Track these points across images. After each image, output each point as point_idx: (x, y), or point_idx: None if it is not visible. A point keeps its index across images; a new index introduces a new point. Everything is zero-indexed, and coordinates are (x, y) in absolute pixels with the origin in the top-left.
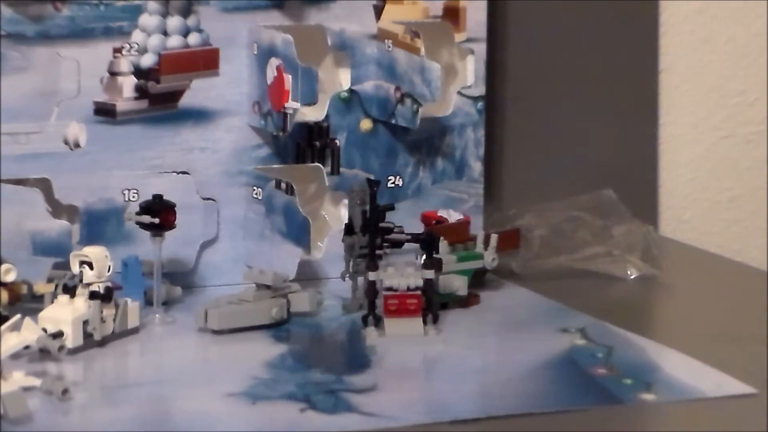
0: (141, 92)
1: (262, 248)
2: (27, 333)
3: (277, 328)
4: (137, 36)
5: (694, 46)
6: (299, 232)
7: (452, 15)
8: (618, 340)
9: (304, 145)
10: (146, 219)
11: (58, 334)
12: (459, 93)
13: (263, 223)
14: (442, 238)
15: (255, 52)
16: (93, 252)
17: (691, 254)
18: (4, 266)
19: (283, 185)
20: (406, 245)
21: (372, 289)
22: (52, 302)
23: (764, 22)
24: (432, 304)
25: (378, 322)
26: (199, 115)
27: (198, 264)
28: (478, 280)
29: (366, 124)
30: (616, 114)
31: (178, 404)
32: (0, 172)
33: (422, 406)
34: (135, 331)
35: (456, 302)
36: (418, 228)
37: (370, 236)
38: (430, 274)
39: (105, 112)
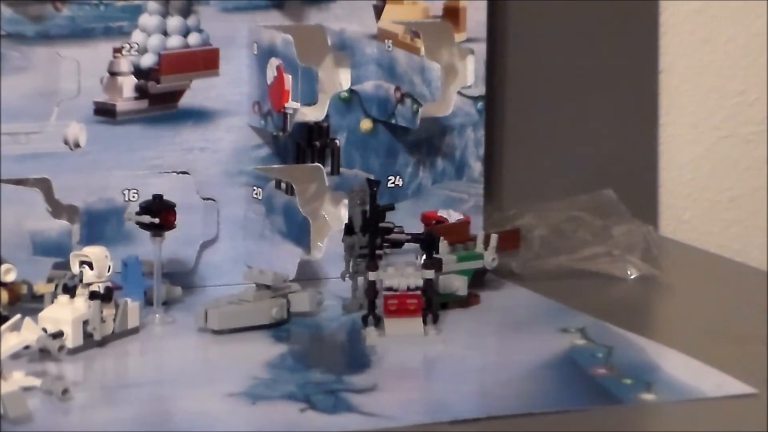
0: (141, 92)
1: (262, 248)
2: (27, 333)
3: (277, 328)
4: (137, 36)
5: (694, 46)
6: (299, 232)
7: (452, 15)
8: (618, 340)
9: (304, 145)
10: (146, 219)
11: (58, 334)
12: (459, 93)
13: (263, 223)
14: (442, 238)
15: (255, 52)
16: (93, 252)
17: (691, 254)
18: (4, 266)
19: (283, 185)
20: (406, 245)
21: (372, 289)
22: (52, 302)
23: (764, 22)
24: (432, 304)
25: (378, 322)
26: (199, 115)
27: (198, 264)
28: (478, 280)
29: (366, 124)
30: (616, 114)
31: (178, 404)
32: (0, 172)
33: (422, 406)
34: (135, 331)
35: (456, 302)
36: (418, 228)
37: (370, 236)
38: (430, 274)
39: (105, 112)
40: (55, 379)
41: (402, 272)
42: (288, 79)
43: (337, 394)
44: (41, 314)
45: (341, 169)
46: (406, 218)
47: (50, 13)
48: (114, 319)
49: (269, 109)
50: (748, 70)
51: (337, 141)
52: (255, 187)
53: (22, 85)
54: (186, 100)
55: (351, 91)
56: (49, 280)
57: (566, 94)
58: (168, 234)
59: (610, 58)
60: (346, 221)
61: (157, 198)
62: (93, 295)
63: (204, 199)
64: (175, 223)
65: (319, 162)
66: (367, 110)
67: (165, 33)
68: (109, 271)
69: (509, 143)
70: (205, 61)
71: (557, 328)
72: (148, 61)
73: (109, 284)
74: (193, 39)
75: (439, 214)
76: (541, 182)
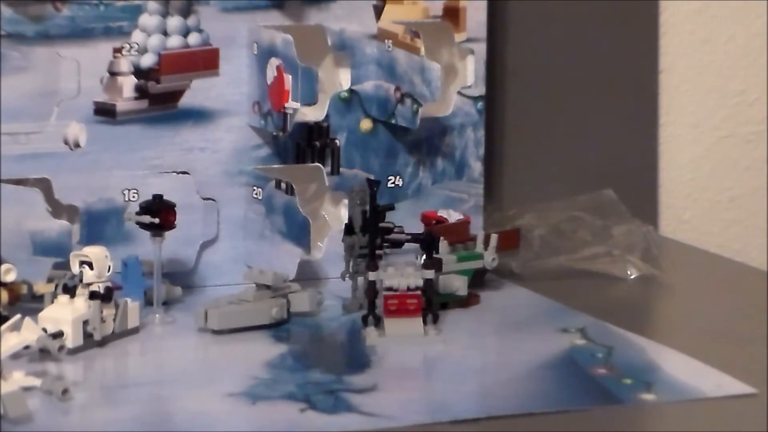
0: (141, 92)
1: (262, 248)
2: (27, 333)
3: (277, 328)
4: (137, 36)
5: (694, 46)
6: (299, 232)
7: (452, 15)
8: (618, 340)
9: (304, 145)
10: (146, 219)
11: (58, 334)
12: (459, 93)
13: (263, 223)
14: (442, 238)
15: (255, 52)
16: (93, 252)
17: (691, 254)
18: (4, 266)
19: (283, 185)
20: (406, 245)
21: (372, 289)
22: (52, 302)
23: (764, 22)
24: (432, 304)
25: (378, 322)
26: (199, 115)
27: (198, 264)
28: (478, 280)
29: (366, 124)
30: (616, 114)
31: (178, 404)
32: (0, 172)
33: (422, 406)
34: (135, 331)
35: (456, 302)
36: (418, 228)
37: (370, 236)
38: (430, 274)
39: (105, 112)
40: (55, 379)
41: (402, 272)
42: (288, 79)
43: (337, 394)
44: (41, 314)
45: (341, 169)
46: (406, 218)
47: (50, 13)
48: (114, 319)
49: (269, 109)
50: (748, 70)
51: (337, 141)
52: (255, 187)
53: (22, 85)
54: (186, 100)
55: (351, 91)
56: (49, 280)
57: (566, 94)
58: (168, 234)
59: (610, 58)
60: (346, 221)
61: (157, 198)
62: (93, 295)
63: (204, 199)
64: (175, 223)
65: (319, 162)
66: (367, 110)
67: (165, 33)
68: (109, 271)
69: (509, 143)
70: (205, 61)
71: (557, 328)
72: (148, 61)
73: (109, 284)
74: (193, 39)
75: (439, 214)
76: (541, 182)
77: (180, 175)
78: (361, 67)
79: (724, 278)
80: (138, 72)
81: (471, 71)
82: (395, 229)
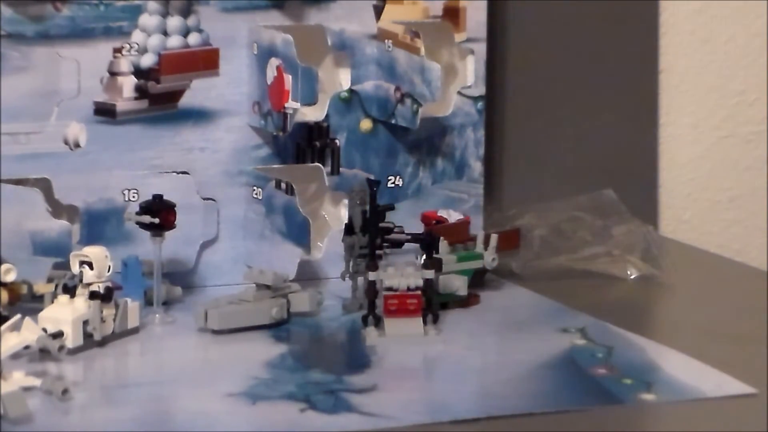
0: (141, 92)
1: (262, 248)
2: (27, 333)
3: (277, 328)
4: (137, 36)
5: (694, 46)
6: (299, 232)
7: (452, 15)
8: (618, 340)
9: (304, 145)
10: (146, 219)
11: (58, 334)
12: (459, 93)
13: (263, 223)
14: (442, 238)
15: (255, 52)
16: (93, 252)
17: (691, 254)
18: (4, 266)
19: (283, 185)
20: (406, 245)
21: (372, 289)
22: (52, 302)
23: (764, 22)
24: (432, 304)
25: (378, 322)
26: (199, 115)
27: (198, 264)
28: (478, 280)
29: (366, 124)
30: (616, 114)
31: (178, 404)
32: (0, 172)
33: (422, 406)
34: (135, 331)
35: (456, 302)
36: (418, 228)
37: (370, 236)
38: (430, 274)
39: (105, 112)
40: (55, 379)
41: (402, 272)
42: (288, 79)
43: (337, 394)
44: (41, 314)
45: (341, 169)
46: (406, 218)
47: (50, 13)
48: (114, 319)
49: (269, 109)
50: (748, 70)
51: (337, 141)
52: (255, 187)
53: (22, 85)
54: (186, 100)
55: (351, 91)
56: (49, 280)
57: (566, 94)
58: (168, 234)
59: (610, 58)
60: (346, 221)
61: (157, 198)
62: (93, 295)
63: (204, 199)
64: (175, 223)
65: (319, 162)
66: (367, 110)
67: (165, 33)
68: (109, 271)
69: (509, 143)
70: (205, 61)
71: (557, 328)
72: (148, 61)
73: (109, 284)
74: (193, 39)
75: (439, 214)
76: (541, 182)
77: (180, 175)
78: (361, 67)
79: (724, 278)
80: (138, 72)
81: (471, 71)
82: (395, 229)
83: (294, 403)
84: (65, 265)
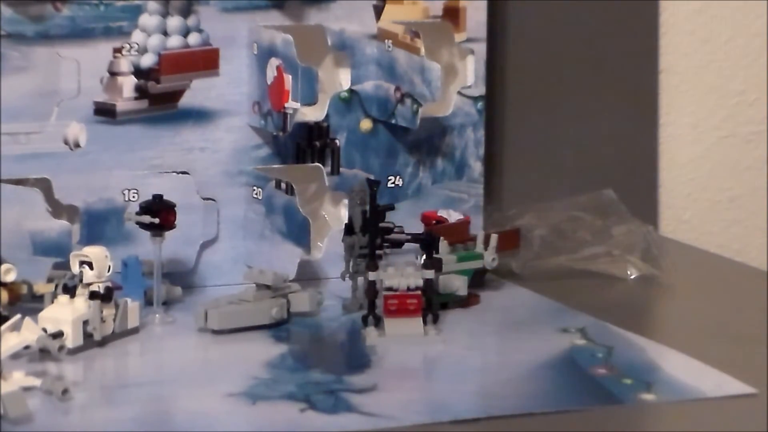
0: (141, 92)
1: (262, 248)
2: (27, 333)
3: (277, 328)
4: (137, 36)
5: (694, 46)
6: (299, 232)
7: (452, 15)
8: (618, 340)
9: (304, 145)
10: (146, 219)
11: (58, 334)
12: (459, 93)
13: (263, 223)
14: (442, 238)
15: (255, 52)
16: (93, 252)
17: (691, 254)
18: (4, 266)
19: (283, 185)
20: (406, 245)
21: (372, 289)
22: (52, 302)
23: (764, 22)
24: (432, 304)
25: (378, 322)
26: (199, 115)
27: (198, 264)
28: (478, 280)
29: (366, 124)
30: (616, 114)
31: (178, 404)
32: (0, 172)
33: (422, 406)
34: (135, 331)
35: (456, 302)
36: (418, 228)
37: (370, 236)
38: (430, 274)
39: (105, 112)
40: (55, 379)
41: (402, 272)
42: (288, 79)
43: (337, 394)
44: (41, 314)
45: (341, 169)
46: (406, 218)
47: (50, 13)
48: (114, 319)
49: (269, 109)
50: (748, 70)
51: (337, 141)
52: (255, 187)
53: (22, 85)
54: (186, 100)
55: (351, 91)
56: (49, 280)
57: (566, 94)
58: (168, 234)
59: (610, 58)
60: (346, 221)
61: (157, 198)
62: (93, 295)
63: (204, 199)
64: (175, 223)
65: (319, 162)
66: (367, 110)
67: (165, 33)
68: (109, 271)
69: (509, 143)
70: (205, 61)
71: (557, 328)
72: (148, 61)
73: (109, 284)
74: (193, 39)
75: (439, 214)
76: (541, 182)
77: (180, 175)
78: (361, 67)
79: (724, 278)
80: (138, 72)
81: (471, 71)
82: (395, 229)
83: (294, 403)
84: (65, 265)
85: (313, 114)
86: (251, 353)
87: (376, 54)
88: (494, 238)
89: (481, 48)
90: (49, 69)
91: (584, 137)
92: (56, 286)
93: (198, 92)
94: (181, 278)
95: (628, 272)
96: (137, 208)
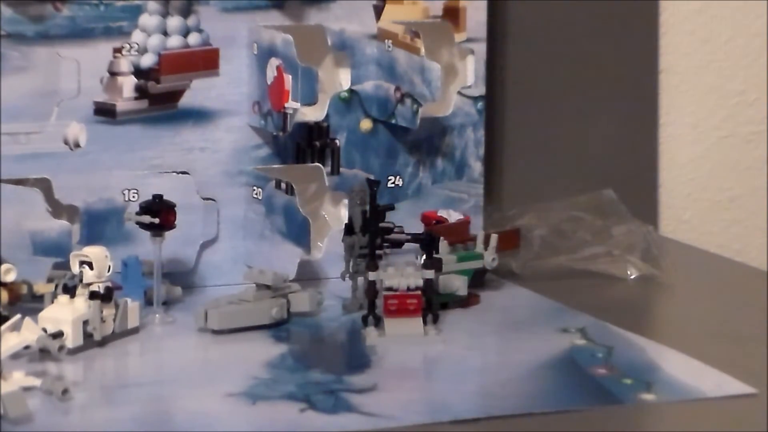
0: (141, 92)
1: (262, 248)
2: (27, 333)
3: (277, 328)
4: (137, 36)
5: (694, 46)
6: (299, 232)
7: (452, 15)
8: (618, 340)
9: (304, 145)
10: (146, 219)
11: (58, 334)
12: (459, 93)
13: (263, 223)
14: (442, 238)
15: (255, 52)
16: (93, 252)
17: (691, 254)
18: (4, 266)
19: (283, 185)
20: (406, 245)
21: (372, 289)
22: (52, 302)
23: (764, 22)
24: (432, 304)
25: (378, 322)
26: (199, 115)
27: (198, 264)
28: (478, 280)
29: (366, 124)
30: (616, 114)
31: (178, 404)
32: (0, 172)
33: (422, 406)
34: (135, 331)
35: (456, 302)
36: (418, 228)
37: (370, 236)
38: (430, 274)
39: (105, 112)
40: (55, 379)
41: (402, 272)
42: (288, 79)
43: (337, 394)
44: (41, 314)
45: (341, 169)
46: (406, 218)
47: (50, 13)
48: (114, 319)
49: (269, 109)
50: (748, 70)
51: (337, 141)
52: (255, 187)
53: (22, 85)
54: (186, 100)
55: (351, 91)
56: (49, 280)
57: (566, 94)
58: (168, 234)
59: (610, 58)
60: (346, 221)
61: (157, 198)
62: (93, 295)
63: (204, 199)
64: (175, 223)
65: (319, 162)
66: (367, 110)
67: (165, 33)
68: (109, 271)
69: (509, 143)
70: (205, 61)
71: (557, 328)
72: (148, 61)
73: (109, 284)
74: (193, 39)
75: (439, 214)
76: (541, 182)
77: (180, 175)
78: (361, 67)
79: (724, 278)
80: (138, 72)
81: (471, 71)
82: (395, 229)
83: (294, 403)
84: (65, 265)
85: (313, 114)
86: (251, 353)
87: (376, 54)
88: (494, 238)
89: (481, 48)
90: (49, 69)
91: (584, 137)
92: (56, 286)
93: (198, 92)
94: (181, 278)
95: (628, 272)
96: (137, 208)
